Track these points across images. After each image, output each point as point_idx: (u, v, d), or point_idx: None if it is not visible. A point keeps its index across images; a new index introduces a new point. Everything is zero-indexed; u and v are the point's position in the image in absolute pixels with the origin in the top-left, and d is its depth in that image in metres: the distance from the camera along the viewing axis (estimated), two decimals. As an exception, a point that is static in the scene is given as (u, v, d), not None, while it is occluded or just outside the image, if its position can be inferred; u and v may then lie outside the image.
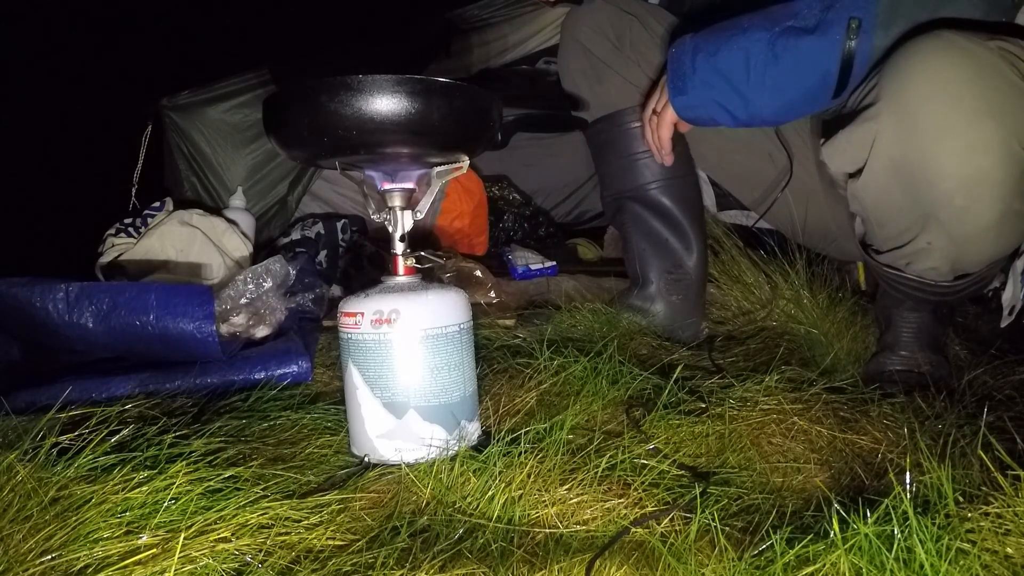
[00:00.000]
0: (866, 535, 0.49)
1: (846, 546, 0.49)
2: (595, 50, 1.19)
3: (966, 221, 0.80)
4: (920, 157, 0.77)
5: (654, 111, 1.04)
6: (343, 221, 1.79)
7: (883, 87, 0.79)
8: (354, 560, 0.54)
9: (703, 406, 0.84)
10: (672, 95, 0.96)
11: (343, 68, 0.67)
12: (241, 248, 1.50)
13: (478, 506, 0.62)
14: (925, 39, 0.77)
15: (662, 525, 0.58)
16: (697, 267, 1.22)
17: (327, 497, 0.64)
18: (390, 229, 0.78)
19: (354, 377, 0.73)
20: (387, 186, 0.78)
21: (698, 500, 0.58)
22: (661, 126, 1.04)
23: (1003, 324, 0.97)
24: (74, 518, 0.55)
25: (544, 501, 0.62)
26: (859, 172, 0.85)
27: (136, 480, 0.59)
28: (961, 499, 0.55)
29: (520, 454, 0.68)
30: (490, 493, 0.63)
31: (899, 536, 0.49)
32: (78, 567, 0.51)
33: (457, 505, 0.63)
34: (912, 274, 0.90)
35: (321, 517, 0.60)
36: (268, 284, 1.13)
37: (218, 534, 0.55)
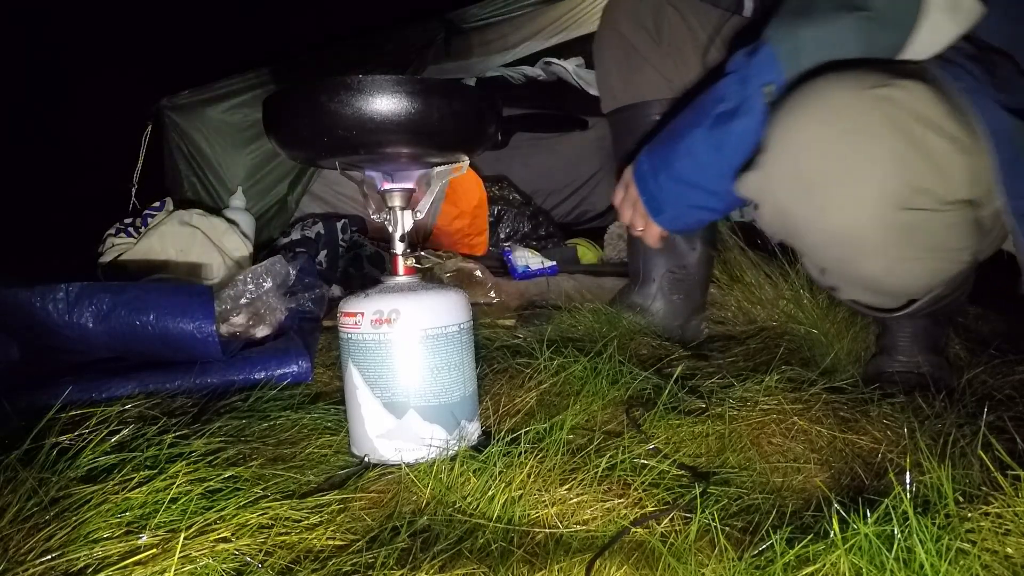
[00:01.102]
0: (866, 535, 0.49)
1: (846, 546, 0.49)
2: (633, 40, 1.19)
3: (850, 273, 0.79)
4: (795, 211, 0.77)
5: (638, 228, 1.00)
6: (343, 221, 1.80)
7: (768, 135, 0.77)
8: (354, 560, 0.54)
9: (703, 406, 0.84)
10: (653, 216, 0.95)
11: (343, 67, 0.67)
12: (241, 248, 1.50)
13: (478, 506, 0.62)
14: (808, 87, 0.74)
15: (662, 525, 0.58)
16: (700, 267, 1.22)
17: (327, 497, 0.64)
18: (390, 229, 0.78)
19: (354, 377, 0.73)
20: (387, 186, 0.78)
21: (698, 500, 0.58)
22: (649, 239, 1.01)
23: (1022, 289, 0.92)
24: (74, 518, 0.55)
25: (544, 501, 0.62)
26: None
27: (136, 480, 0.59)
28: (961, 499, 0.55)
29: (520, 454, 0.68)
30: (490, 493, 0.63)
31: (899, 536, 0.49)
32: (78, 567, 0.51)
33: (457, 505, 0.63)
34: (846, 300, 0.90)
35: (321, 517, 0.60)
36: (268, 284, 1.13)
37: (218, 534, 0.55)
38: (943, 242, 0.76)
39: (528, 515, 0.61)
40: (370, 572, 0.53)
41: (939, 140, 0.71)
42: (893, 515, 0.50)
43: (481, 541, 0.57)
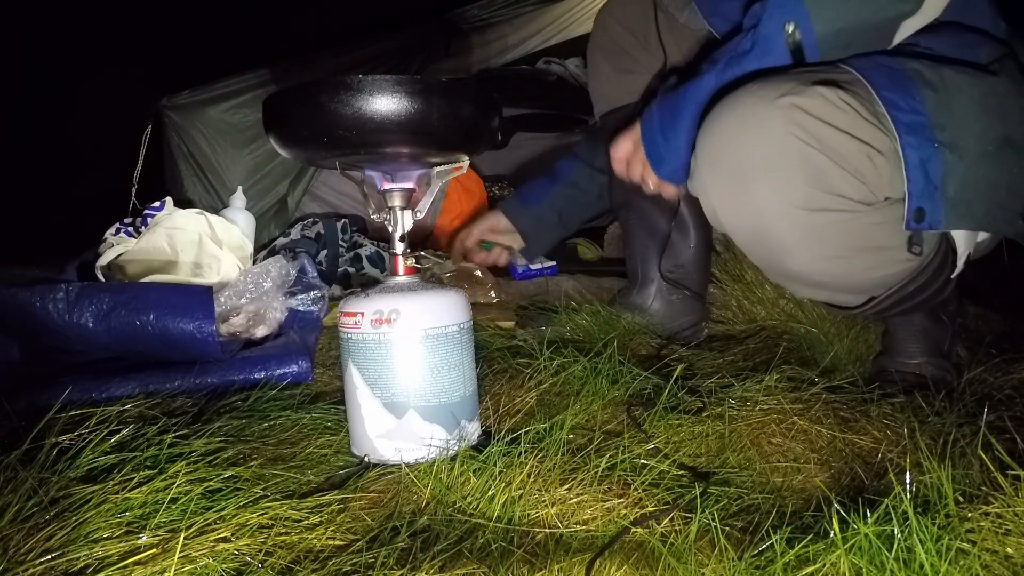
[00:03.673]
0: (866, 535, 0.49)
1: (846, 546, 0.49)
2: (623, 43, 1.20)
3: (779, 270, 0.84)
4: (720, 212, 0.82)
5: (650, 184, 1.00)
6: (343, 221, 1.79)
7: (697, 141, 0.82)
8: (354, 560, 0.54)
9: (703, 406, 0.84)
10: (654, 167, 0.94)
11: (343, 67, 0.67)
12: (241, 248, 1.50)
13: (478, 506, 0.62)
14: (728, 98, 0.79)
15: (662, 525, 0.58)
16: (698, 265, 1.22)
17: (327, 497, 0.64)
18: (390, 229, 0.78)
19: (354, 377, 0.73)
20: (387, 186, 0.78)
21: (698, 500, 0.58)
22: (666, 193, 1.02)
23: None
24: (74, 518, 0.55)
25: (544, 501, 0.62)
26: None
27: (136, 480, 0.59)
28: (961, 499, 0.55)
29: (520, 454, 0.68)
30: (490, 493, 0.63)
31: (899, 536, 0.49)
32: (78, 567, 0.51)
33: (457, 505, 0.63)
34: (803, 298, 0.91)
35: (321, 517, 0.60)
36: (268, 284, 1.13)
37: (218, 534, 0.55)
38: (868, 241, 0.78)
39: (528, 515, 0.61)
40: (370, 572, 0.53)
41: (851, 144, 0.73)
42: (893, 515, 0.50)
43: (481, 541, 0.57)
